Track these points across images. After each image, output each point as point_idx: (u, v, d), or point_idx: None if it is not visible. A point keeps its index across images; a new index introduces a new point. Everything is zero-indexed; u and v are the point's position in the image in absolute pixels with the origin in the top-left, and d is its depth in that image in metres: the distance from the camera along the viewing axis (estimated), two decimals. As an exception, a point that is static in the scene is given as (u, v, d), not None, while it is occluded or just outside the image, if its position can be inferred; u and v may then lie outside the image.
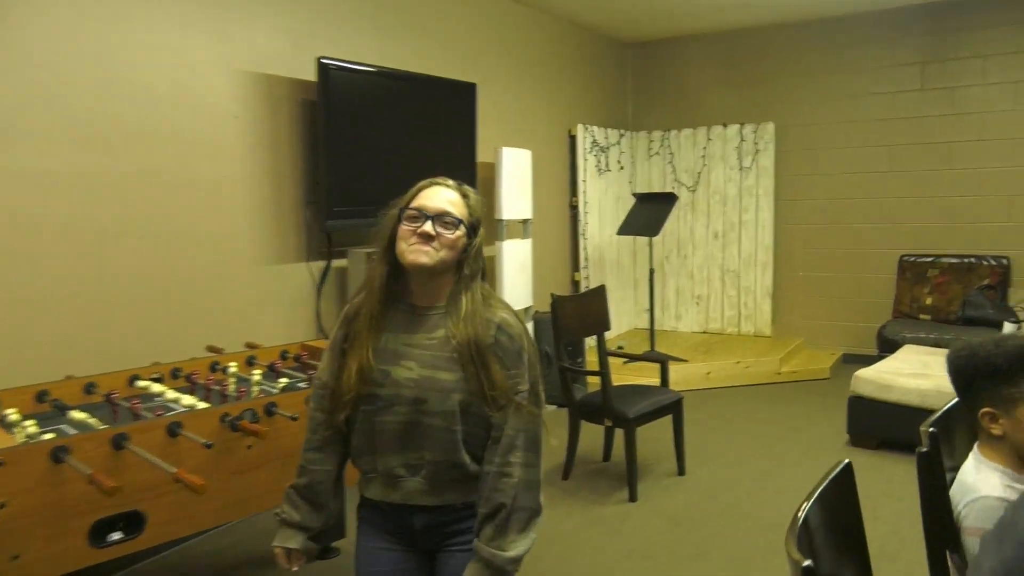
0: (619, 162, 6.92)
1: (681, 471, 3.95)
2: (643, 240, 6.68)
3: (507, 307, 1.67)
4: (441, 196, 1.61)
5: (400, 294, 1.66)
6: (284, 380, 2.73)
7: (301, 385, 2.68)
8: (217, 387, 2.61)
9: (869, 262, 6.33)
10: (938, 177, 6.02)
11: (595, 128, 6.53)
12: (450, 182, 1.65)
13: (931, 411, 4.02)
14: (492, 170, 5.06)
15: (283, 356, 3.07)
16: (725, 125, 6.77)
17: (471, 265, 1.63)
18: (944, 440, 1.78)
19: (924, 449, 1.67)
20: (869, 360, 5.33)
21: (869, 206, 6.30)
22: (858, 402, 4.37)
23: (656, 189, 6.96)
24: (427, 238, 1.57)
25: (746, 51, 6.73)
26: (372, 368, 1.60)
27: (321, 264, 4.08)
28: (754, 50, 6.69)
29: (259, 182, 3.76)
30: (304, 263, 4.00)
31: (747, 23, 6.55)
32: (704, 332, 7.00)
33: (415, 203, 1.61)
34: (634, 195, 6.38)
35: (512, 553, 1.54)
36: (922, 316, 5.87)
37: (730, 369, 5.84)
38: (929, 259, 5.99)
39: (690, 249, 7.02)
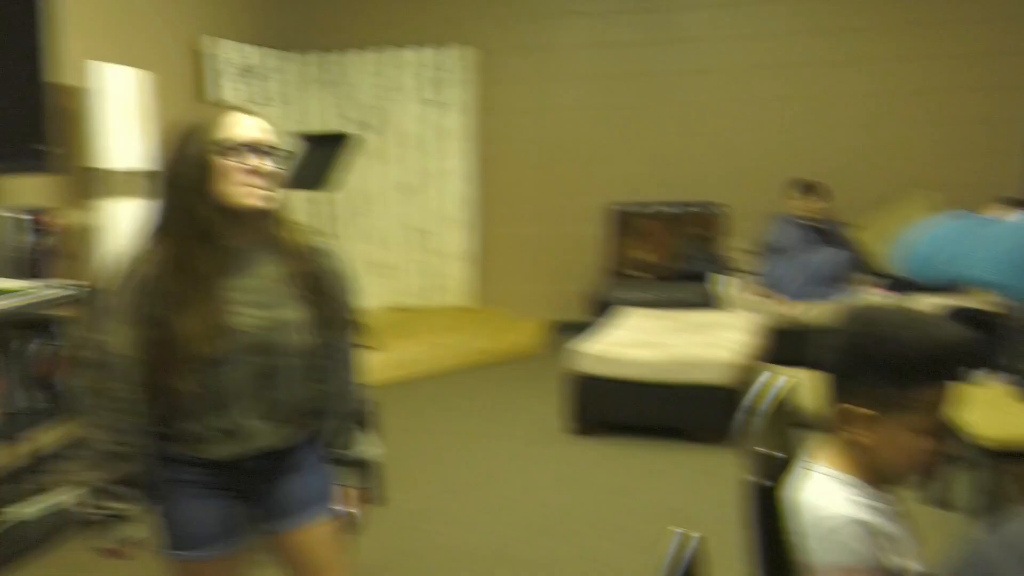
0: (283, 94, 6.34)
1: (381, 500, 3.65)
2: (322, 197, 6.18)
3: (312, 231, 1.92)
4: (256, 124, 1.73)
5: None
6: None
7: None
8: None
9: (578, 215, 6.50)
10: (651, 115, 6.31)
11: (232, 44, 5.84)
12: (246, 108, 1.79)
13: (665, 385, 4.28)
14: (81, 97, 4.23)
15: None
16: (404, 46, 6.48)
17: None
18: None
19: (766, 482, 1.41)
20: (584, 328, 5.44)
21: (578, 149, 6.45)
22: (579, 382, 4.37)
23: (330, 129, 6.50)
24: (261, 175, 1.69)
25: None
26: (223, 325, 1.70)
27: None
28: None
29: None
30: None
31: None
32: (397, 309, 6.79)
33: (233, 135, 1.68)
34: (300, 137, 5.87)
35: (374, 448, 2.02)
36: (637, 273, 6.15)
37: (427, 353, 5.65)
38: (641, 209, 6.28)
39: (376, 206, 6.72)
